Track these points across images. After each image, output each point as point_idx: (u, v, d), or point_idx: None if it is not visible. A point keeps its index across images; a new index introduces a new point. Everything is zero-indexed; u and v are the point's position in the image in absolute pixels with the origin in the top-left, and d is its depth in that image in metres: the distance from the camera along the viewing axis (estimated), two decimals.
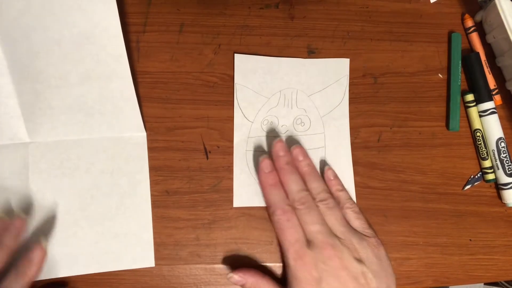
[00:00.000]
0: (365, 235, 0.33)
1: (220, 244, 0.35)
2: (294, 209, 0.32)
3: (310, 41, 0.38)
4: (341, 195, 0.34)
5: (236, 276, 0.32)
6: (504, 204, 0.37)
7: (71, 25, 0.32)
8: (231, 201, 0.35)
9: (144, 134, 0.36)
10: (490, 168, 0.37)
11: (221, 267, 0.34)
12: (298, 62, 0.38)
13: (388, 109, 0.38)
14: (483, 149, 0.37)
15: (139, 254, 0.34)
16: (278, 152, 0.34)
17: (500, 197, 0.37)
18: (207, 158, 0.36)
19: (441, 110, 0.38)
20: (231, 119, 0.36)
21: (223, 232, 0.35)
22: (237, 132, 0.36)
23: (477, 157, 0.38)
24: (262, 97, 0.37)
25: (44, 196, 0.34)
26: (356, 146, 0.37)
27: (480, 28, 0.39)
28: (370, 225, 0.34)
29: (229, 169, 0.36)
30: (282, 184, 0.33)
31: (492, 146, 0.37)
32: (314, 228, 0.31)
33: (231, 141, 0.36)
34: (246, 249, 0.35)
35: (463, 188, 0.37)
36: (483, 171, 0.38)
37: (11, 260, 0.30)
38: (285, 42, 0.38)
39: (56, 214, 0.34)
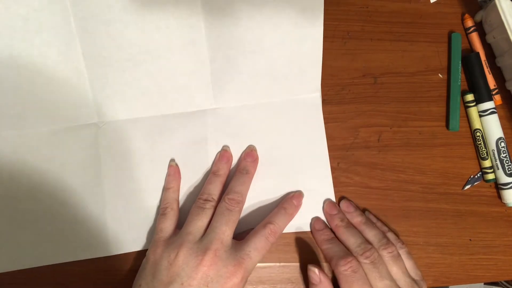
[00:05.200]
0: (417, 279, 0.33)
1: None
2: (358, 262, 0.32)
3: None
4: (390, 236, 0.34)
5: (316, 271, 0.31)
6: (504, 204, 0.37)
7: None
8: None
9: (319, 94, 0.37)
10: (490, 168, 0.37)
11: None
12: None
13: (388, 109, 0.38)
14: (483, 149, 0.37)
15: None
16: (331, 211, 0.35)
17: (500, 197, 0.37)
18: None
19: (441, 110, 0.38)
20: None
21: None
22: None
23: (477, 157, 0.38)
24: None
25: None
26: (356, 146, 0.37)
27: (480, 28, 0.39)
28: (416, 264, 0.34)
29: None
30: (341, 242, 0.33)
31: (492, 146, 0.37)
32: (382, 285, 0.31)
33: None
34: None
35: (463, 188, 0.37)
36: (483, 171, 0.38)
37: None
38: None
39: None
